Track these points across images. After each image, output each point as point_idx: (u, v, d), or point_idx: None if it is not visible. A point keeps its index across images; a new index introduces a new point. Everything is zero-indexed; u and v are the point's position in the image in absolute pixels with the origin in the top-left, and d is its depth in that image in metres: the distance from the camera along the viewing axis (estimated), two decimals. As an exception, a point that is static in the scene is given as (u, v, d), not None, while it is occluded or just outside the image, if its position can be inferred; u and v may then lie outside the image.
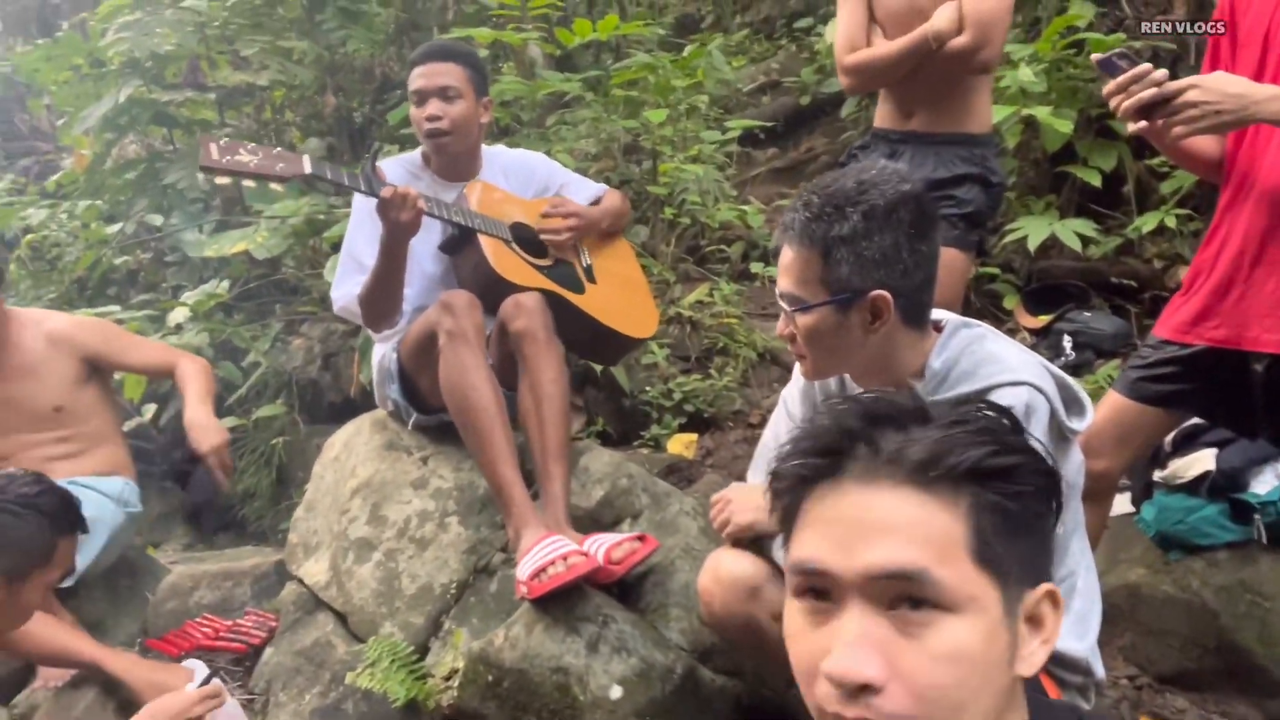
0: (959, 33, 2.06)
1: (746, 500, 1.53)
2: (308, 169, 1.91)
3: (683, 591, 1.88)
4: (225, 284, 3.90)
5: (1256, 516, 2.08)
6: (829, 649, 0.70)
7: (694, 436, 2.99)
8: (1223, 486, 2.11)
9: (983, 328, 1.44)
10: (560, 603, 1.80)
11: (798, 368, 1.59)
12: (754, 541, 1.53)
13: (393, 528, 2.18)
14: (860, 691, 0.67)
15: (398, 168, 2.28)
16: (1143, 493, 2.27)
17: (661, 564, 1.91)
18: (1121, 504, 2.37)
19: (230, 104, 4.95)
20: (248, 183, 1.86)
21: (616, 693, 1.72)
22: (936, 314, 1.44)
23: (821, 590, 0.73)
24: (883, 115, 2.30)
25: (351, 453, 2.41)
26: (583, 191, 2.48)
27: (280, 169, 1.88)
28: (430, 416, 2.33)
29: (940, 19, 2.07)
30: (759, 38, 6.63)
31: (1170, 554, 2.15)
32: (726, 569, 1.51)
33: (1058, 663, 1.35)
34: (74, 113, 4.72)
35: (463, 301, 2.05)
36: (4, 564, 1.58)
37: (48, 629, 1.96)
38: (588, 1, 5.74)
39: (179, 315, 3.77)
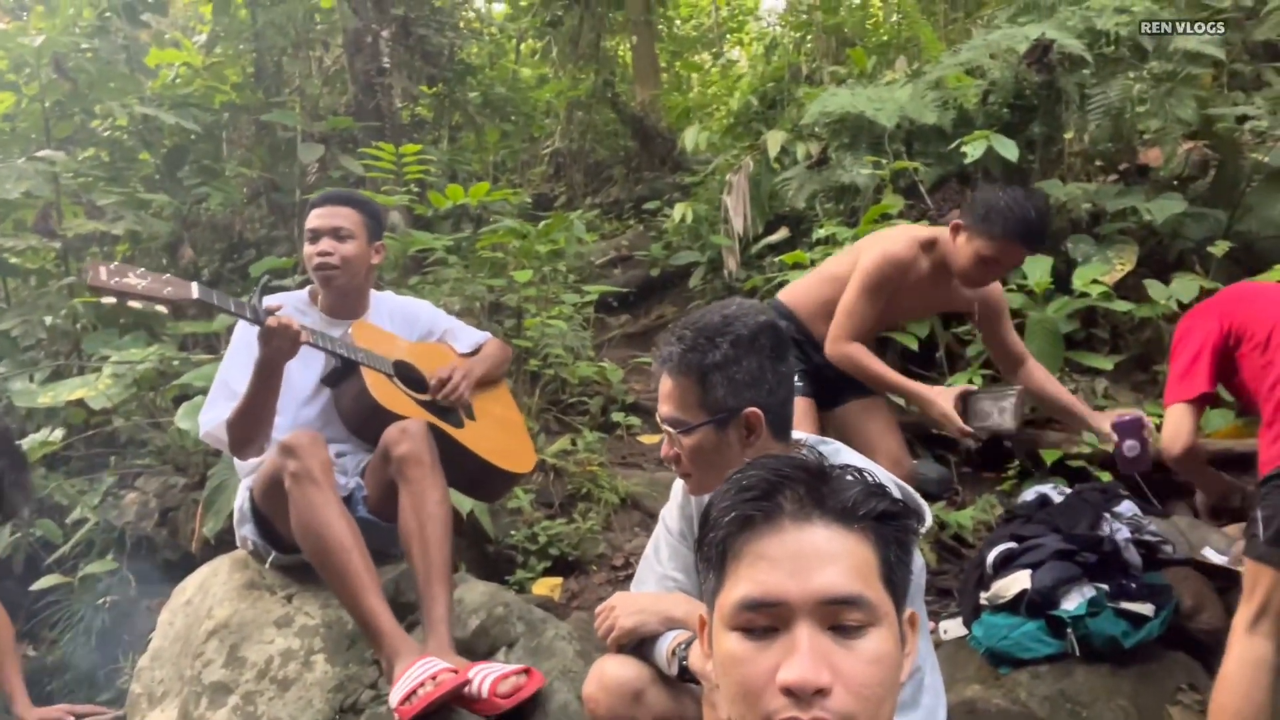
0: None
1: (630, 605, 1.61)
2: (195, 294, 1.95)
3: (561, 712, 1.89)
4: (59, 433, 3.69)
5: (1069, 631, 2.33)
6: (778, 665, 0.84)
7: (559, 580, 3.03)
8: (1038, 604, 2.35)
9: (836, 443, 1.63)
10: (439, 731, 1.77)
11: (675, 487, 1.73)
12: (636, 648, 1.60)
13: (252, 669, 2.09)
14: (814, 695, 0.82)
15: (286, 301, 2.34)
16: (972, 613, 2.48)
17: (540, 688, 1.92)
18: (955, 628, 2.58)
19: (74, 253, 4.83)
20: (133, 303, 1.88)
21: (495, 824, 1.68)
22: (796, 434, 1.63)
23: (769, 619, 0.87)
24: None
25: (207, 594, 2.31)
26: (465, 338, 2.60)
27: (168, 293, 1.92)
28: (290, 555, 2.28)
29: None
30: (609, 217, 7.16)
31: (1000, 669, 2.35)
32: (611, 675, 1.57)
33: None
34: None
35: (304, 440, 2.07)
36: None
37: None
38: (449, 177, 6.07)
39: None
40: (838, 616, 0.86)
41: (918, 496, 1.60)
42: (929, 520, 1.59)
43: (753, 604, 0.87)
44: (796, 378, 2.45)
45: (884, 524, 0.92)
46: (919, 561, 1.58)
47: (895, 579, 0.92)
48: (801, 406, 2.58)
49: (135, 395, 3.87)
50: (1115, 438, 2.55)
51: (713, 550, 0.93)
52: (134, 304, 1.88)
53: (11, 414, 4.15)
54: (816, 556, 0.87)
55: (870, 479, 0.97)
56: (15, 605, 3.60)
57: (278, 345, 2.03)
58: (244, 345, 2.24)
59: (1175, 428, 2.34)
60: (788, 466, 0.93)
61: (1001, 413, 2.57)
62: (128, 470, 3.97)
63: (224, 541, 2.84)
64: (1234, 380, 2.25)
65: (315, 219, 2.34)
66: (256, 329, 2.03)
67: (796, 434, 1.64)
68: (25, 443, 3.59)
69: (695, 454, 1.53)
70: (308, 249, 2.33)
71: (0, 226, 4.52)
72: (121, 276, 1.87)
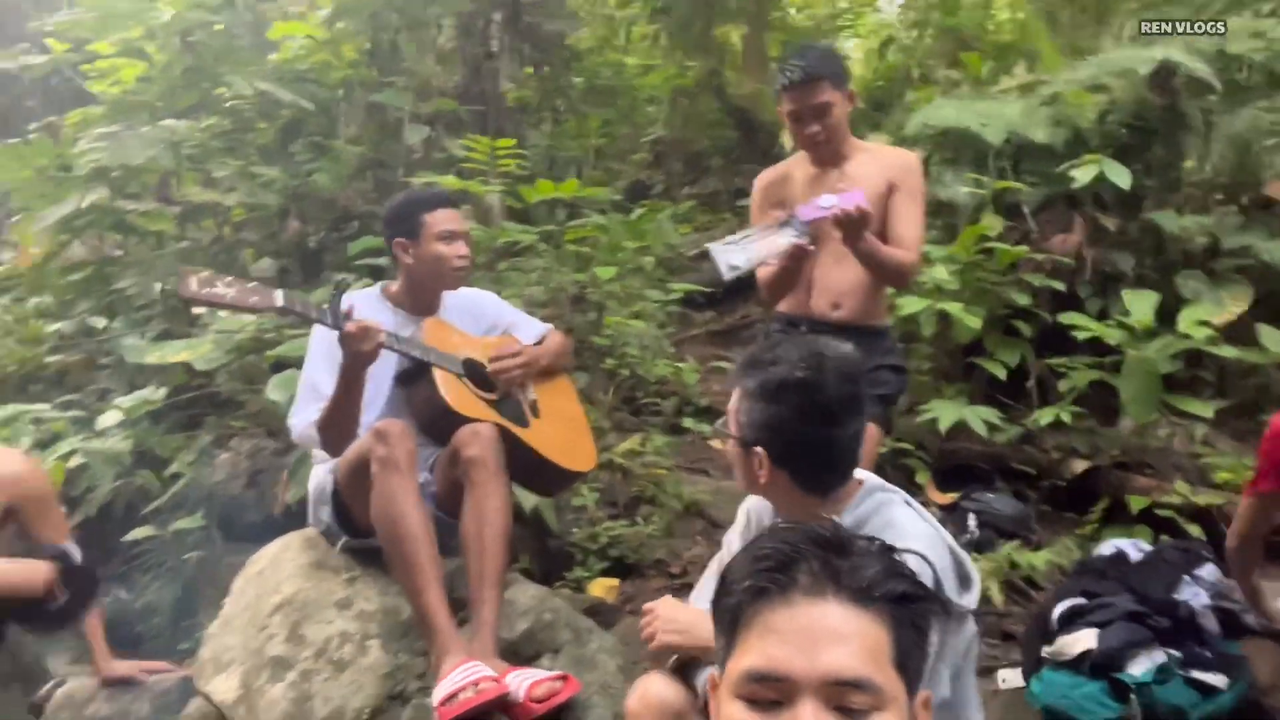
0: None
1: (673, 620, 1.61)
2: (280, 303, 2.04)
3: (597, 728, 1.93)
4: (162, 391, 3.91)
5: (1133, 697, 2.23)
6: None
7: (616, 582, 3.06)
8: (1103, 665, 2.26)
9: (897, 495, 1.58)
10: (476, 734, 1.82)
11: (741, 509, 1.75)
12: (681, 669, 1.61)
13: (311, 647, 2.18)
14: None
15: (362, 300, 2.41)
16: (1033, 666, 2.40)
17: (579, 699, 1.95)
18: (1014, 678, 2.50)
19: (190, 219, 5.08)
20: (222, 312, 1.98)
21: (524, 828, 1.73)
22: (860, 474, 1.59)
23: (774, 693, 0.87)
24: (801, 303, 2.49)
25: (278, 569, 2.42)
26: (529, 330, 2.64)
27: (254, 301, 2.02)
28: (360, 540, 2.37)
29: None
30: (704, 208, 7.11)
31: (1056, 727, 2.27)
32: (655, 694, 1.58)
33: None
34: (29, 211, 4.80)
35: (396, 430, 2.14)
36: None
37: None
38: (548, 161, 6.13)
39: (109, 419, 3.75)
40: (844, 698, 0.85)
41: (969, 564, 1.54)
42: (976, 590, 1.52)
43: (758, 676, 0.87)
44: (873, 401, 2.42)
45: (901, 606, 0.90)
46: (970, 630, 1.52)
47: (908, 662, 0.90)
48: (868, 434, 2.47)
49: (236, 359, 4.06)
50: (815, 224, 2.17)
51: (726, 615, 0.93)
52: (223, 313, 1.97)
53: (122, 367, 4.42)
54: (827, 635, 0.87)
55: (893, 558, 0.95)
56: (112, 549, 3.85)
57: (358, 349, 2.10)
58: (325, 346, 2.32)
59: (1235, 519, 2.34)
60: (806, 540, 0.92)
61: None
62: (224, 431, 4.19)
63: (304, 509, 2.93)
64: None
65: (453, 221, 2.41)
66: (336, 333, 2.11)
67: (861, 474, 1.60)
68: (131, 399, 3.82)
69: (730, 459, 1.62)
70: (442, 249, 2.38)
71: (126, 188, 4.79)
72: (210, 286, 1.97)
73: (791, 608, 0.88)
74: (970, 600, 1.49)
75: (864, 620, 0.88)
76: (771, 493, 1.57)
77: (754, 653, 0.88)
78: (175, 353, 3.95)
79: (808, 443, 1.49)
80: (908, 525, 1.50)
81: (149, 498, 3.83)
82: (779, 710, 0.86)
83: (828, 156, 2.43)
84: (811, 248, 2.19)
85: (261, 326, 3.96)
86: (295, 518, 3.18)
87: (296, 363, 3.67)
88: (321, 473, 2.42)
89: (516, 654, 2.11)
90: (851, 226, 2.17)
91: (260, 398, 4.03)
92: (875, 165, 2.44)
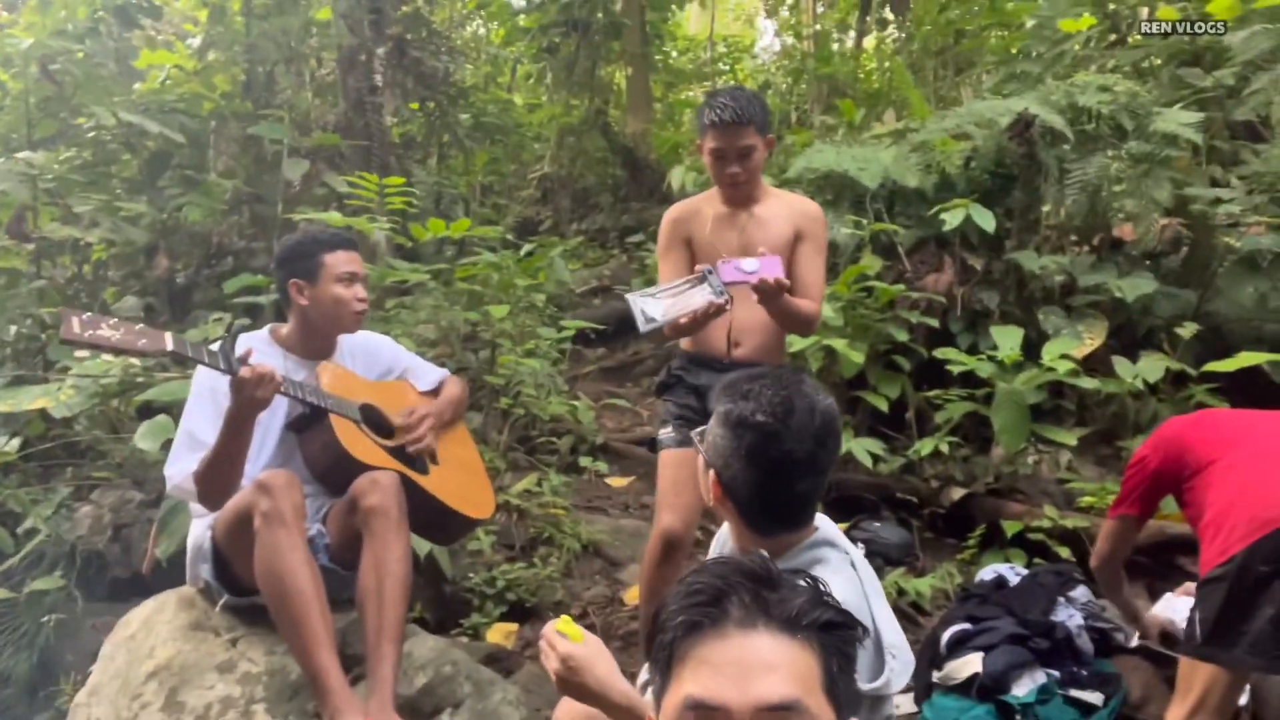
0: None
1: (579, 675, 1.45)
2: (169, 346, 1.93)
3: (502, 784, 1.87)
4: (15, 442, 3.63)
5: (1018, 718, 2.33)
6: None
7: (514, 626, 3.00)
8: (989, 688, 2.36)
9: (841, 555, 1.50)
10: (374, 797, 1.75)
11: (715, 540, 1.74)
12: None
13: (191, 715, 2.04)
14: None
15: (251, 344, 2.30)
16: (924, 691, 2.48)
17: (480, 755, 1.90)
18: (906, 704, 2.58)
19: (47, 255, 4.77)
20: (106, 355, 1.86)
21: None
22: (819, 522, 1.54)
23: None
24: (702, 341, 2.50)
25: (151, 631, 2.26)
26: (425, 376, 2.59)
27: (143, 345, 1.90)
28: (243, 598, 2.25)
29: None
30: (593, 245, 7.17)
31: (948, 751, 2.35)
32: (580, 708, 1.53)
33: None
34: None
35: (281, 481, 2.05)
36: None
37: None
38: (435, 198, 6.06)
39: (-44, 473, 3.45)
40: None
41: (895, 648, 1.47)
42: (889, 679, 1.45)
43: (695, 704, 0.90)
44: (673, 428, 2.46)
45: (827, 633, 0.94)
46: (885, 713, 1.45)
47: (837, 688, 0.93)
48: (690, 461, 2.26)
49: (98, 405, 3.81)
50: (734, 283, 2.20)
51: (661, 653, 0.96)
52: (107, 356, 1.85)
53: (-31, 416, 4.08)
54: (759, 664, 0.90)
55: (819, 588, 0.98)
56: (-41, 613, 3.53)
57: (252, 395, 2.00)
58: (207, 392, 2.21)
59: (1099, 540, 2.49)
60: (736, 574, 0.96)
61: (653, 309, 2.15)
62: (85, 481, 3.91)
63: (175, 565, 2.78)
64: (1181, 501, 2.29)
65: (353, 263, 2.34)
66: (228, 378, 2.01)
67: (821, 522, 1.55)
68: (-20, 451, 3.52)
69: (698, 466, 1.58)
70: (342, 291, 2.30)
71: (-27, 223, 4.47)
72: (95, 329, 1.84)
73: (724, 639, 0.92)
74: (869, 686, 1.38)
75: (793, 648, 0.91)
76: (722, 513, 1.54)
77: (690, 684, 0.91)
78: (31, 399, 3.67)
79: (754, 485, 1.45)
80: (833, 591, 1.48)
81: (2, 558, 3.54)
82: None
83: (741, 198, 2.48)
84: (729, 308, 2.19)
85: (129, 369, 3.74)
86: (165, 574, 2.99)
87: (167, 408, 3.48)
88: (200, 527, 2.29)
89: (416, 711, 2.04)
90: (770, 294, 2.21)
91: (125, 446, 3.80)
92: (784, 212, 2.50)
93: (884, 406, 3.72)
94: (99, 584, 3.61)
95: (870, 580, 1.52)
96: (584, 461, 3.92)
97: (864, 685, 1.34)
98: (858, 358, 3.58)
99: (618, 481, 4.00)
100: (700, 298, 2.15)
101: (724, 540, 1.69)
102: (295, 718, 2.05)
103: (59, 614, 3.41)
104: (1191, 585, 2.36)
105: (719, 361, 2.47)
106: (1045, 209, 4.11)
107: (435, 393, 2.56)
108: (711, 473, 1.50)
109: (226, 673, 2.12)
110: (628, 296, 2.20)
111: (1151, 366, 3.51)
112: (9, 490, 3.65)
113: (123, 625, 2.40)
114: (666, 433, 2.51)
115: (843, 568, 1.48)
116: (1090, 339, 3.67)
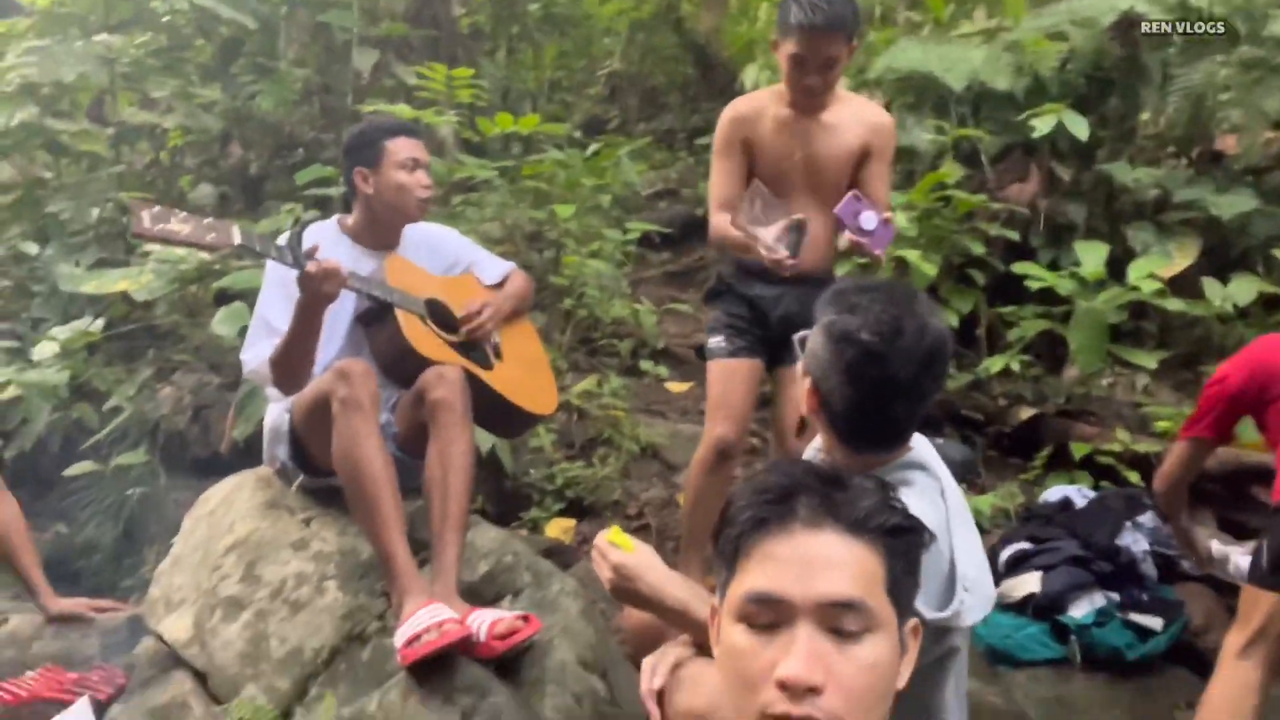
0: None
1: (636, 579, 1.45)
2: (237, 239, 1.95)
3: (559, 670, 1.94)
4: (100, 322, 3.76)
5: (1073, 638, 2.33)
6: (777, 661, 0.88)
7: (572, 522, 3.07)
8: (1045, 608, 2.35)
9: (922, 481, 1.44)
10: (437, 672, 1.83)
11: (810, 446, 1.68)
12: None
13: (266, 588, 2.15)
14: (807, 693, 0.86)
15: (319, 235, 2.32)
16: (979, 607, 2.48)
17: (540, 642, 1.96)
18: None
19: (125, 140, 4.85)
20: (177, 249, 1.88)
21: (486, 767, 1.74)
22: (915, 442, 1.49)
23: (772, 615, 0.91)
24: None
25: (230, 508, 2.37)
26: (491, 269, 2.59)
27: (210, 239, 1.92)
28: (318, 479, 2.33)
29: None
30: (660, 146, 7.01)
31: (998, 667, 2.36)
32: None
33: None
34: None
35: (359, 370, 2.09)
36: None
37: None
38: (503, 93, 5.96)
39: (44, 350, 3.60)
40: (838, 620, 0.89)
41: (971, 580, 1.42)
42: (964, 605, 1.39)
43: (757, 598, 0.92)
44: (724, 337, 2.41)
45: (894, 537, 0.95)
46: (947, 645, 1.42)
47: (900, 590, 0.95)
48: (741, 371, 2.43)
49: (178, 290, 3.91)
50: (840, 227, 2.17)
51: (728, 546, 0.97)
52: (178, 250, 1.88)
53: (56, 296, 4.24)
54: (822, 562, 0.91)
55: (889, 493, 0.99)
56: (49, 483, 3.74)
57: (319, 289, 2.03)
58: (278, 282, 2.24)
59: (1166, 461, 2.38)
60: (806, 474, 0.97)
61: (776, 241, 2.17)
62: (165, 364, 4.06)
63: (252, 446, 2.88)
64: (1262, 424, 2.19)
65: (414, 149, 2.33)
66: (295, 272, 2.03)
67: (918, 442, 1.50)
68: (67, 330, 3.66)
69: (798, 371, 1.52)
70: (404, 177, 2.30)
71: (55, 106, 4.53)
72: (164, 222, 1.86)
73: (790, 537, 0.93)
74: (955, 614, 1.34)
75: (858, 549, 0.93)
76: (815, 422, 1.49)
77: (754, 576, 0.93)
78: (113, 282, 3.79)
79: (850, 402, 1.40)
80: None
81: (87, 432, 3.72)
82: (777, 631, 0.90)
83: (813, 107, 2.36)
84: (794, 264, 2.14)
85: (205, 257, 3.82)
86: (242, 454, 3.11)
87: (243, 295, 3.56)
88: (277, 411, 2.36)
89: (477, 596, 2.11)
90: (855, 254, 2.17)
91: (204, 331, 3.91)
92: (853, 121, 2.37)
93: (955, 322, 3.62)
94: (180, 461, 3.78)
95: (959, 509, 1.47)
96: (644, 365, 3.92)
97: (928, 614, 1.28)
98: (930, 270, 3.46)
99: (677, 387, 4.00)
100: (777, 245, 2.13)
101: (814, 454, 1.64)
102: (364, 595, 2.14)
103: (143, 488, 3.60)
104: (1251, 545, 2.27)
105: (770, 272, 2.40)
106: (1143, 117, 3.88)
107: (501, 286, 2.56)
108: (809, 381, 1.46)
109: (300, 550, 2.22)
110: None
111: (1243, 289, 3.34)
112: (95, 369, 3.81)
113: (202, 501, 2.52)
114: (717, 341, 2.46)
115: (929, 491, 1.43)
116: (1181, 258, 3.49)
